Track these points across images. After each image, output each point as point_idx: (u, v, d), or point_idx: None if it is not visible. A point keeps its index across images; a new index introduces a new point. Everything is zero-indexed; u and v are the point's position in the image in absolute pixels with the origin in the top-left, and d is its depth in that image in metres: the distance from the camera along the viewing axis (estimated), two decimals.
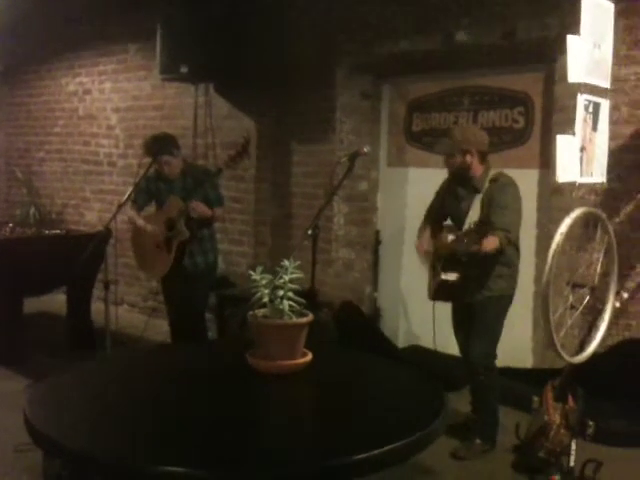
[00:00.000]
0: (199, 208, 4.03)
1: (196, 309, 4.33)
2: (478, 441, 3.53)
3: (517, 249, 3.51)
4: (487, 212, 3.35)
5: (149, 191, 4.29)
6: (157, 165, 4.15)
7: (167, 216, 4.13)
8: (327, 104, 5.23)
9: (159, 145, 4.12)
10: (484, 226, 3.23)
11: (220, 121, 5.70)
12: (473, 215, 3.41)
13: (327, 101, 5.23)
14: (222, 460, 1.63)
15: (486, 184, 3.40)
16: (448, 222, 3.61)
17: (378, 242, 5.22)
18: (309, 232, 3.15)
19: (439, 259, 3.48)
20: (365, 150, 3.40)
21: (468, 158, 3.41)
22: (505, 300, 3.49)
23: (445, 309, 3.69)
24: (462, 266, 3.36)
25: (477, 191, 3.42)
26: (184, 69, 5.15)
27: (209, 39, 5.07)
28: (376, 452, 1.65)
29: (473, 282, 3.43)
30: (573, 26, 3.23)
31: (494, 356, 3.54)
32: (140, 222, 4.24)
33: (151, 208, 4.39)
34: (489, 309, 3.46)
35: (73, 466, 2.85)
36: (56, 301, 6.03)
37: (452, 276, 3.35)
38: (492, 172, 3.45)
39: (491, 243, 3.24)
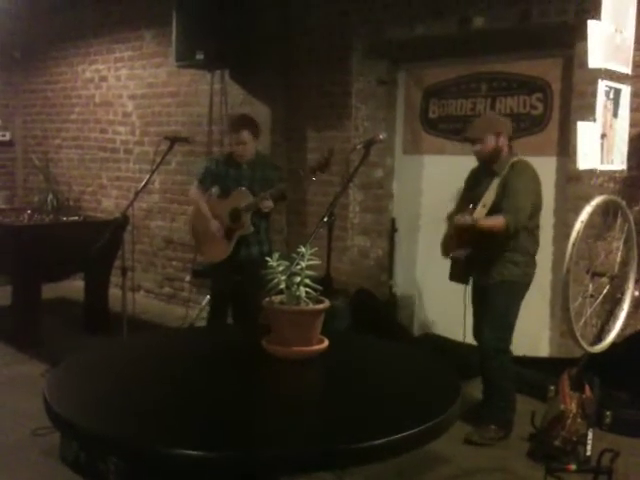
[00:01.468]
0: (269, 205, 4.07)
1: (254, 297, 4.35)
2: (493, 427, 3.52)
3: (534, 238, 3.48)
4: (501, 198, 3.37)
5: (217, 173, 4.30)
6: (233, 142, 4.19)
7: (233, 206, 4.14)
8: (342, 90, 5.20)
9: (242, 122, 4.21)
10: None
11: (235, 108, 5.69)
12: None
13: (342, 87, 5.20)
14: (235, 444, 1.63)
15: (506, 169, 3.41)
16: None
17: (394, 230, 5.19)
18: (325, 220, 3.14)
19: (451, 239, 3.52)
20: (381, 137, 3.38)
21: (501, 140, 3.43)
22: (518, 286, 3.49)
23: (461, 297, 3.67)
24: (471, 246, 3.38)
25: (496, 174, 3.41)
26: (200, 56, 5.13)
27: (224, 25, 5.05)
28: (391, 438, 1.64)
29: (484, 265, 3.43)
30: (592, 10, 3.19)
31: (507, 341, 3.53)
32: (207, 212, 4.27)
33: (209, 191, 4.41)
34: (500, 294, 3.47)
35: (91, 449, 2.89)
36: (74, 287, 6.09)
37: (460, 254, 3.40)
38: (515, 158, 3.46)
39: (489, 221, 3.29)
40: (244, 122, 4.22)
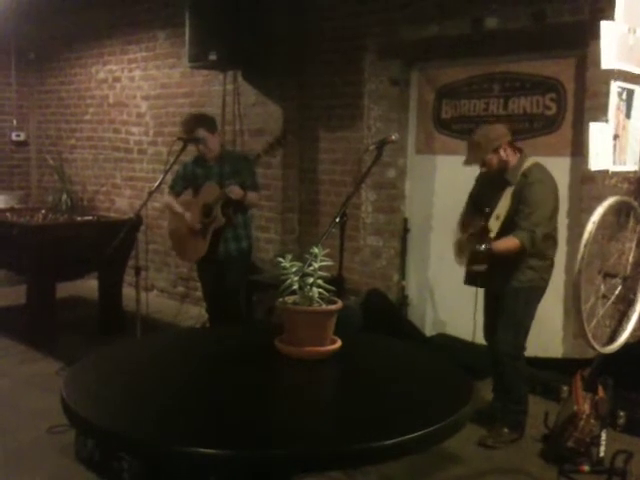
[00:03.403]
0: (235, 190, 4.06)
1: (230, 295, 4.36)
2: (506, 430, 3.52)
3: (553, 240, 3.46)
4: (515, 209, 3.33)
5: (186, 177, 4.33)
6: (194, 145, 4.18)
7: (203, 202, 4.17)
8: (355, 90, 5.20)
9: (195, 121, 4.18)
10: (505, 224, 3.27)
11: (248, 108, 5.72)
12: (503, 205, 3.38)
13: (355, 87, 5.20)
14: (248, 443, 1.65)
15: (518, 177, 3.36)
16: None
17: (406, 230, 5.19)
18: (337, 220, 3.14)
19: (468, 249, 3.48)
20: (393, 138, 3.36)
21: (502, 153, 3.39)
22: (535, 292, 3.46)
23: (473, 297, 3.67)
24: (490, 257, 3.34)
25: (509, 184, 3.38)
26: (213, 56, 5.15)
27: (237, 26, 5.06)
28: (403, 438, 1.65)
29: (502, 272, 3.40)
30: (606, 10, 3.17)
31: (522, 347, 3.52)
32: (179, 209, 4.29)
33: (188, 194, 4.43)
34: (517, 300, 3.44)
35: (107, 447, 2.91)
36: (88, 286, 6.14)
37: (481, 267, 3.35)
38: (527, 162, 3.40)
39: (503, 244, 3.25)
40: (196, 122, 4.18)
